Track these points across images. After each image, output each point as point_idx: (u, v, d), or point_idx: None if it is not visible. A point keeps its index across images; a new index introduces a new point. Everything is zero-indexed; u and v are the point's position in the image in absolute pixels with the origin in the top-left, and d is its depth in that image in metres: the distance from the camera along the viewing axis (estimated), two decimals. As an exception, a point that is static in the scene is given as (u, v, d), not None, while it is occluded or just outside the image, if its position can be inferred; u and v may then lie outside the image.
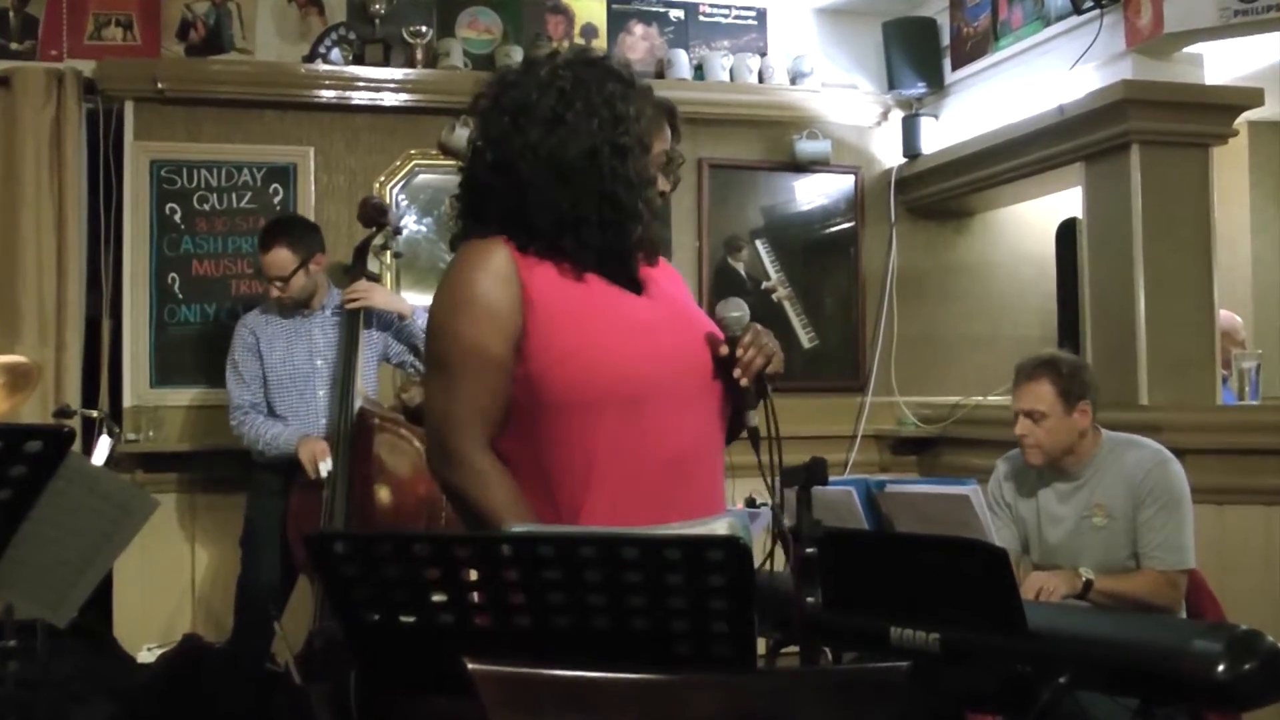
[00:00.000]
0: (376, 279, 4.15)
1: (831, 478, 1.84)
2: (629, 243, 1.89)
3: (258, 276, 4.28)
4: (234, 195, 4.77)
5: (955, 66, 5.30)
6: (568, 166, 1.83)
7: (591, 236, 1.85)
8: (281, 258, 3.97)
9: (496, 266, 1.82)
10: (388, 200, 4.82)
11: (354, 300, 3.96)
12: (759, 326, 1.89)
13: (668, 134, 1.97)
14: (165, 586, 4.64)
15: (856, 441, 5.32)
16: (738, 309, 1.88)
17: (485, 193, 1.90)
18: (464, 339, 1.81)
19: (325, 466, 3.74)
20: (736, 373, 1.84)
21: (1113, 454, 3.12)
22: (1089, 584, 2.95)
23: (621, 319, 1.86)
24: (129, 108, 4.71)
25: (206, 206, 4.75)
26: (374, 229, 4.13)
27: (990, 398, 4.85)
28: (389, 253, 4.29)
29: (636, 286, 1.93)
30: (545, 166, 1.83)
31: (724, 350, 1.86)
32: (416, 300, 4.96)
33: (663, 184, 1.96)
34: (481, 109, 1.91)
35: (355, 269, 4.11)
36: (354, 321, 3.96)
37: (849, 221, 5.44)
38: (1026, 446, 3.16)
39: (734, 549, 1.28)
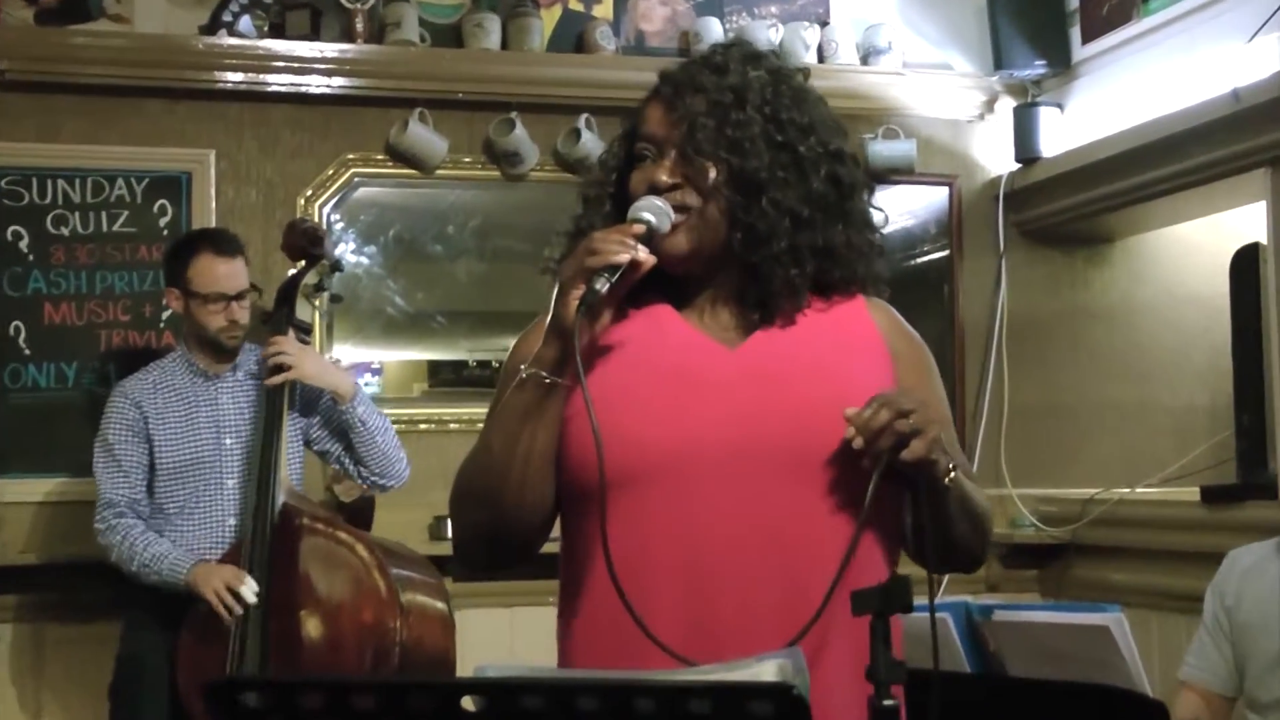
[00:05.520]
0: (309, 331, 4.13)
1: (918, 601, 1.85)
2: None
3: (194, 304, 4.01)
4: (104, 215, 4.80)
5: (1087, 39, 5.34)
6: None
7: None
8: (243, 271, 4.02)
9: None
10: (320, 223, 4.79)
11: (276, 372, 3.91)
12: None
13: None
14: (1, 751, 4.64)
15: (955, 550, 5.31)
16: (650, 210, 1.89)
17: None
18: None
19: (249, 592, 3.72)
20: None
21: None
22: None
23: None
24: (-46, 96, 4.77)
25: (65, 230, 4.78)
26: (305, 264, 4.11)
27: (1139, 490, 4.84)
28: (324, 295, 4.21)
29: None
30: None
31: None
32: (358, 356, 4.97)
33: None
34: None
35: (278, 317, 4.10)
36: (277, 392, 3.95)
37: (941, 249, 5.48)
38: None
39: (785, 700, 1.29)
